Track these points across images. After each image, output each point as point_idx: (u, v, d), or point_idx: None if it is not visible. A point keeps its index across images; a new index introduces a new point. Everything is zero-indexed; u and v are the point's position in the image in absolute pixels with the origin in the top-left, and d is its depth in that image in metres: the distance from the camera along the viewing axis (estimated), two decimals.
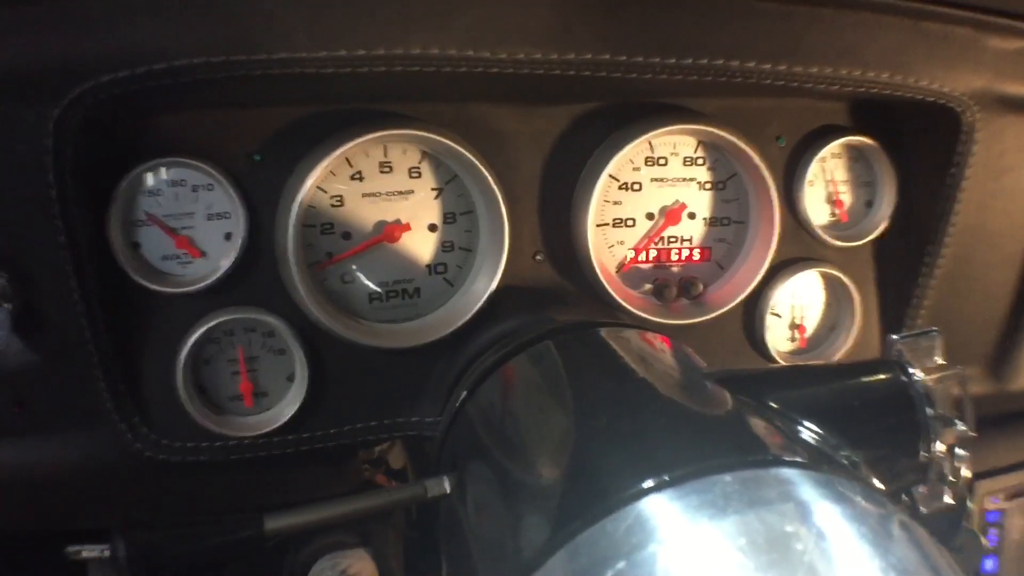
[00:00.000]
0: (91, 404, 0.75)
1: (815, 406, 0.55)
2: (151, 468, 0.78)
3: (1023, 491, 1.05)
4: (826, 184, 0.90)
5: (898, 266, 0.92)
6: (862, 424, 0.56)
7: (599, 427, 0.54)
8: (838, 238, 0.89)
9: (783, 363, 0.90)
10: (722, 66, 0.73)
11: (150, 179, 0.74)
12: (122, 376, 0.75)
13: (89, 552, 0.70)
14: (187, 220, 0.76)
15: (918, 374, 0.57)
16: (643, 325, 0.80)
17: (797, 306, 0.92)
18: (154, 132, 0.73)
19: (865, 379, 0.58)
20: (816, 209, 0.90)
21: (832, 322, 0.94)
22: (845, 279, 0.90)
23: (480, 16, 0.68)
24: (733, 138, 0.81)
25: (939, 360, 0.60)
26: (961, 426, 0.58)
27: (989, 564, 1.11)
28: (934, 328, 0.63)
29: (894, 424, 0.56)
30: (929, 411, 0.55)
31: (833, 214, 0.91)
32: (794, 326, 0.92)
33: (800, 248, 0.89)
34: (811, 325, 0.93)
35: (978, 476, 1.05)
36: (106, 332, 0.73)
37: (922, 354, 0.59)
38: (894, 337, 0.61)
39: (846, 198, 0.91)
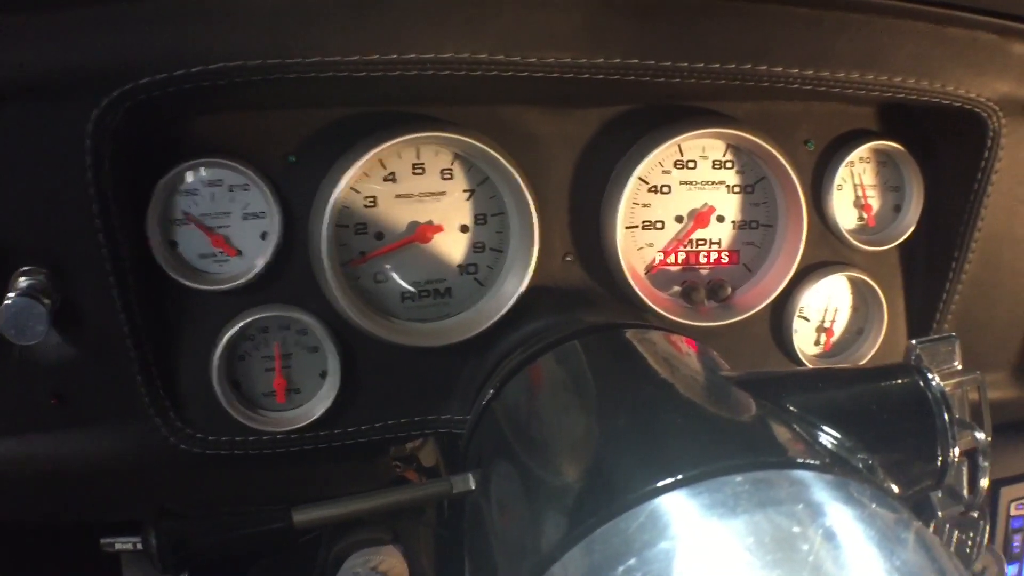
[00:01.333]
0: (127, 398, 0.76)
1: (833, 409, 0.56)
2: (185, 461, 0.79)
3: None
4: (854, 188, 0.90)
5: (925, 270, 0.93)
6: (879, 428, 0.56)
7: (618, 427, 0.55)
8: (866, 242, 0.89)
9: (809, 366, 0.90)
10: (750, 70, 0.74)
11: (188, 179, 0.75)
12: (158, 371, 0.77)
13: (122, 544, 0.72)
14: (224, 219, 0.77)
15: (936, 379, 0.57)
16: (670, 327, 0.81)
17: (825, 309, 0.92)
18: (191, 133, 0.74)
19: (884, 383, 0.58)
20: (844, 213, 0.90)
21: (859, 326, 0.94)
22: (872, 283, 0.90)
23: (511, 21, 0.69)
24: (762, 142, 0.81)
25: (957, 365, 0.60)
26: (978, 431, 0.59)
27: (1013, 570, 1.11)
28: (953, 333, 0.63)
29: (911, 428, 0.56)
30: (946, 416, 0.55)
31: (861, 218, 0.92)
32: (821, 329, 0.93)
33: (828, 252, 0.90)
34: (838, 328, 0.93)
35: (1004, 482, 1.05)
36: (143, 328, 0.74)
37: (941, 359, 0.60)
38: (913, 342, 0.61)
39: (874, 202, 0.91)
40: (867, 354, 0.92)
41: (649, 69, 0.72)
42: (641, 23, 0.71)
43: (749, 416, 0.55)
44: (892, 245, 0.91)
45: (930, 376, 0.57)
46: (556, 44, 0.70)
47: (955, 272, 0.90)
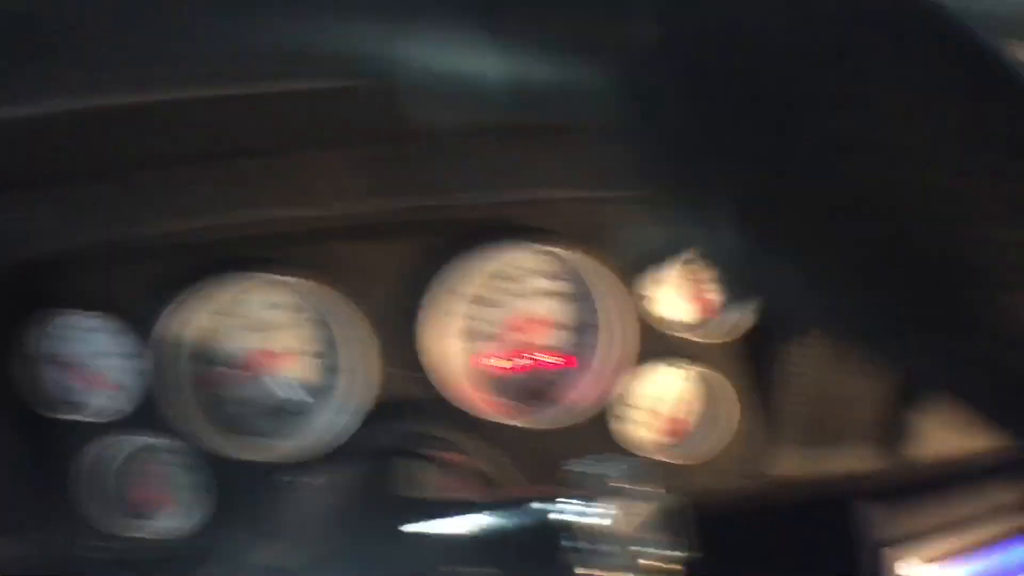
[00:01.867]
0: (32, 515, 0.89)
1: (476, 540, 0.64)
2: (85, 565, 0.92)
3: (939, 557, 1.05)
4: (688, 283, 0.93)
5: (771, 354, 0.94)
6: (512, 559, 0.63)
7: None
8: (704, 335, 0.92)
9: (649, 458, 0.94)
10: (534, 199, 0.79)
11: (56, 326, 0.87)
12: (56, 493, 0.89)
13: None
14: (94, 359, 0.89)
15: (574, 503, 0.62)
16: (500, 432, 0.88)
17: (663, 401, 0.96)
18: (54, 288, 0.86)
19: (516, 512, 0.65)
20: (678, 308, 0.93)
21: (706, 412, 0.96)
22: (712, 373, 0.93)
23: (300, 180, 0.77)
24: (577, 250, 0.86)
25: (627, 485, 0.63)
26: (659, 548, 0.61)
27: None
28: (619, 454, 0.67)
29: (540, 556, 0.62)
30: (583, 542, 0.60)
31: (698, 311, 0.94)
32: (661, 420, 0.96)
33: (662, 346, 0.93)
34: (680, 418, 0.96)
35: (893, 543, 1.06)
36: (33, 461, 0.87)
37: (615, 475, 0.63)
38: (567, 465, 0.66)
39: (713, 294, 0.94)
40: (717, 438, 0.95)
41: (434, 208, 0.79)
42: (401, 168, 0.78)
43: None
44: (734, 336, 0.93)
45: (567, 503, 0.62)
46: (337, 196, 0.78)
47: (801, 354, 0.92)
